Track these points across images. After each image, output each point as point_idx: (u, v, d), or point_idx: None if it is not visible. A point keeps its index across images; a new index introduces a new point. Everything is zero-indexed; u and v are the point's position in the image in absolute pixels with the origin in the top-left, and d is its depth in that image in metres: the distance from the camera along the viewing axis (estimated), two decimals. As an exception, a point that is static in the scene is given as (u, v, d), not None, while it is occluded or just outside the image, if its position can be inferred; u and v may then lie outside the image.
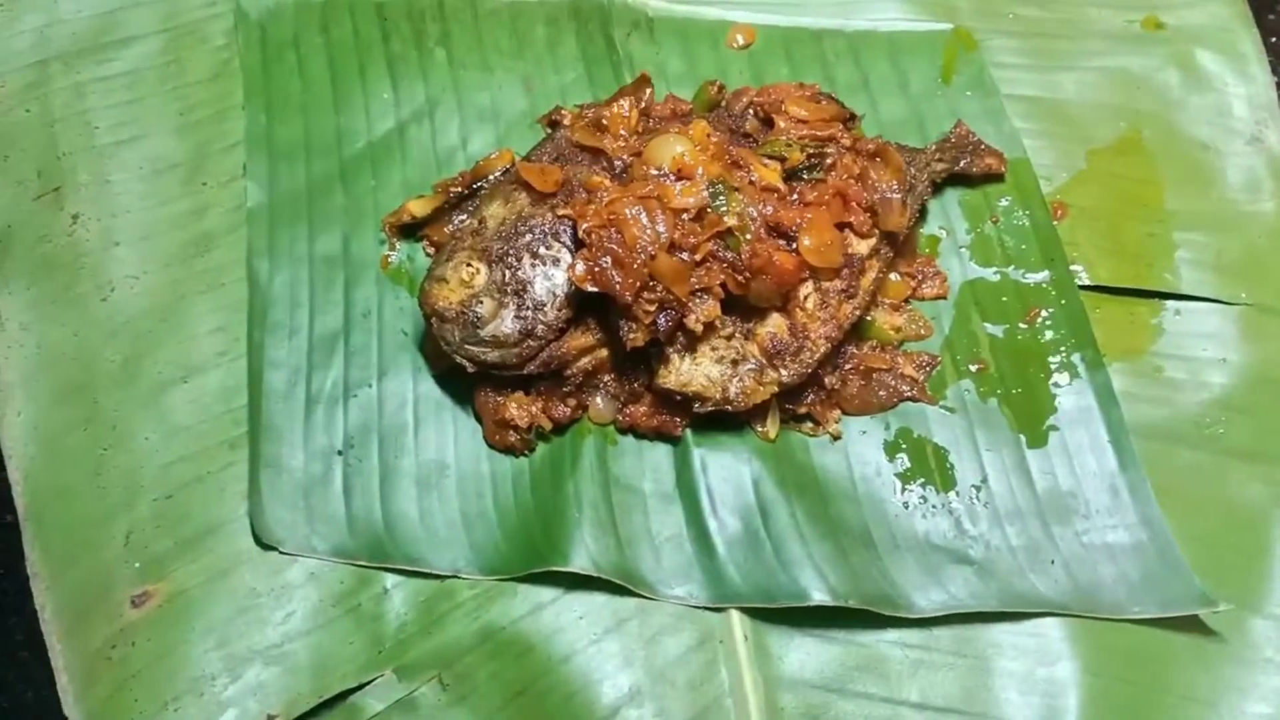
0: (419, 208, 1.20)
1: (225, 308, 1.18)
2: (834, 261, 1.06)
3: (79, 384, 1.13)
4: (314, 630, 1.04)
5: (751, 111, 1.17)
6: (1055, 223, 1.22)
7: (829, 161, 1.09)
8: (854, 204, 1.08)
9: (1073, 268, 1.20)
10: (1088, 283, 1.20)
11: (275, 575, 1.06)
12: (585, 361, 1.09)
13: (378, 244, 1.21)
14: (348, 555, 1.07)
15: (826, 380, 1.10)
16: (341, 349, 1.16)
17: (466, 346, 1.06)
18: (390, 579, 1.07)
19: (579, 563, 1.04)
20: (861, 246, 1.09)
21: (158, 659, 1.02)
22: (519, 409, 1.09)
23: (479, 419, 1.12)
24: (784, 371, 1.06)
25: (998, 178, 1.23)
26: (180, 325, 1.17)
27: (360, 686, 1.02)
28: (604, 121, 1.15)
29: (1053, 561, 1.05)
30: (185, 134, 1.27)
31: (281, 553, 1.07)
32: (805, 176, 1.08)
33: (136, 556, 1.06)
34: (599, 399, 1.11)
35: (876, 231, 1.10)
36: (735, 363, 1.06)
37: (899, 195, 1.10)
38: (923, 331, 1.15)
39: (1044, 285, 1.18)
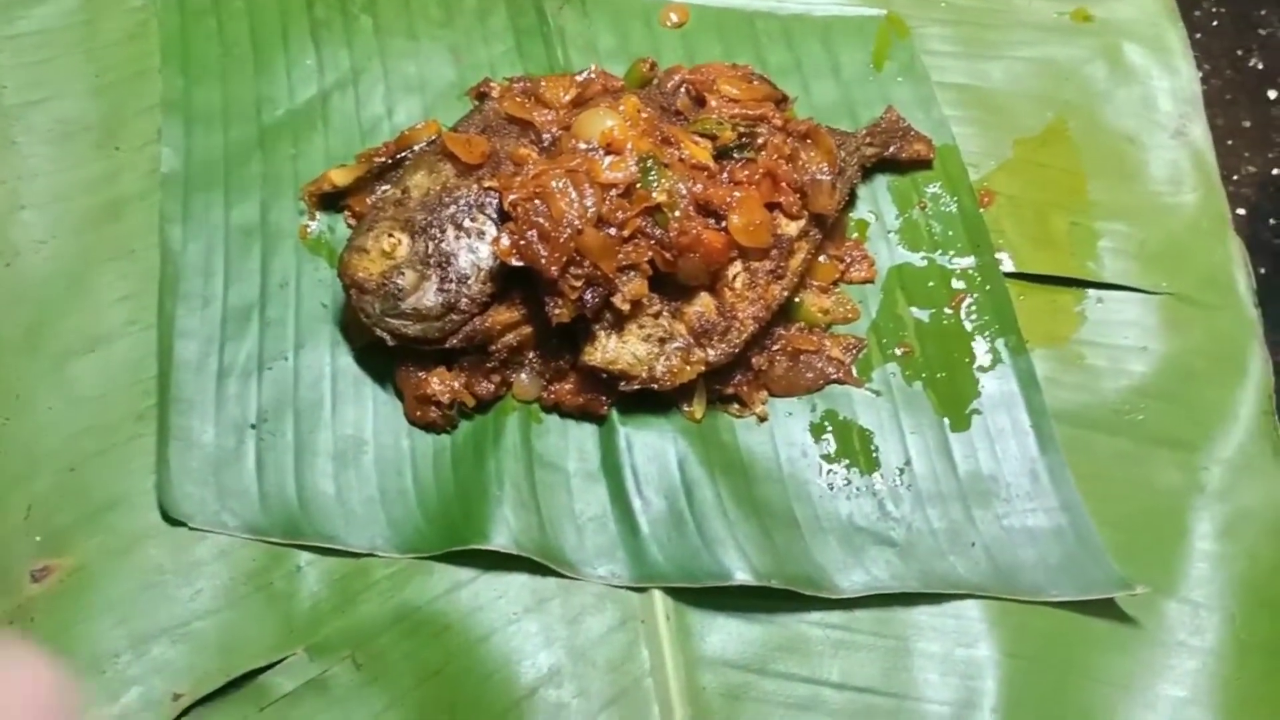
0: (340, 177, 1.16)
1: (136, 275, 1.14)
2: (763, 242, 1.05)
3: (-22, 351, 1.08)
4: (223, 608, 1.01)
5: (683, 90, 1.16)
6: (982, 210, 1.22)
7: (760, 141, 1.08)
8: (784, 185, 1.07)
9: (998, 255, 1.20)
10: (1012, 270, 1.21)
11: (183, 551, 1.03)
12: (510, 337, 1.07)
13: (297, 214, 1.18)
14: (260, 532, 1.03)
15: (754, 361, 1.10)
16: (257, 320, 1.12)
17: (387, 319, 1.03)
18: (304, 557, 1.04)
19: (499, 541, 1.02)
20: (791, 228, 1.08)
21: (58, 635, 0.98)
22: (441, 384, 1.07)
23: (399, 394, 1.10)
24: (711, 351, 1.05)
25: (926, 164, 1.24)
26: (88, 293, 1.12)
27: (270, 665, 0.99)
28: (538, 94, 1.13)
29: (973, 544, 1.06)
30: (98, 96, 1.22)
31: (190, 528, 1.03)
32: (736, 156, 1.07)
33: (37, 530, 1.02)
34: (524, 376, 1.09)
35: (806, 213, 1.09)
36: (662, 341, 1.04)
37: (829, 177, 1.09)
38: (850, 315, 1.15)
39: (969, 271, 1.19)
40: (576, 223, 0.99)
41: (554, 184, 0.99)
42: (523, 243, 0.99)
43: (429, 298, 1.02)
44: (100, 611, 0.99)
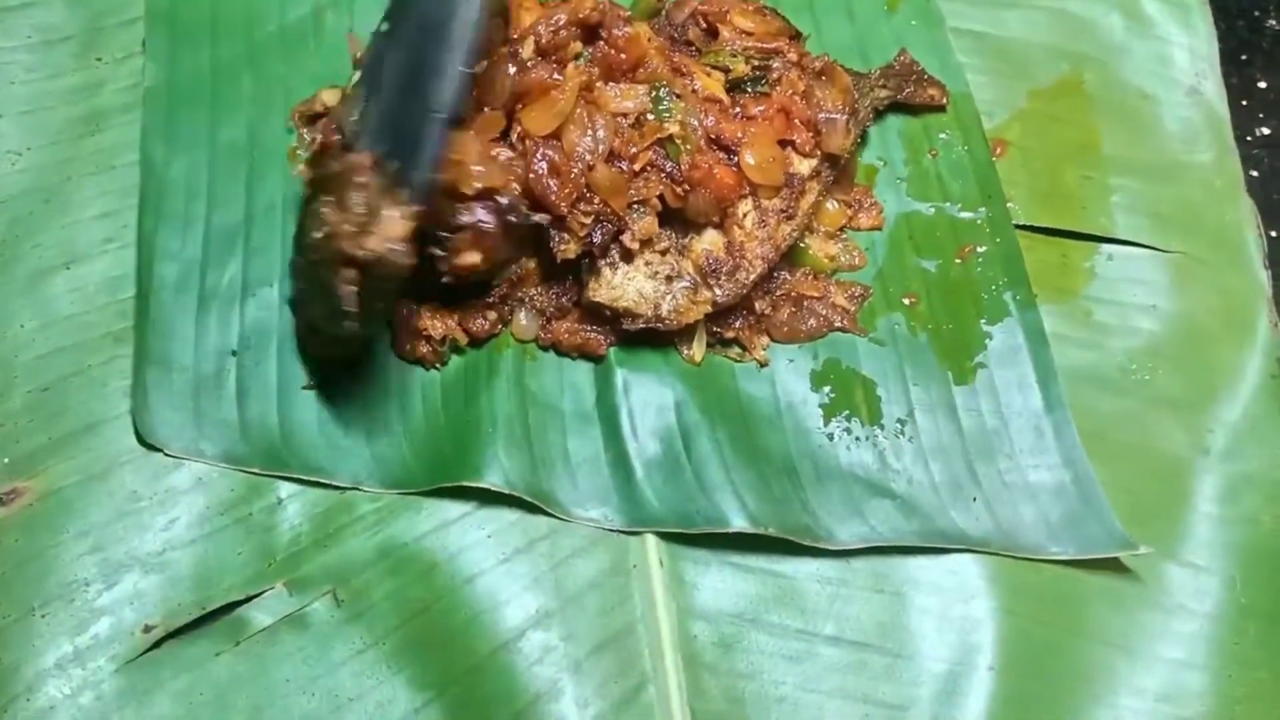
0: (333, 98, 1.12)
1: (115, 192, 1.09)
2: (776, 179, 1.01)
3: (-52, 264, 1.04)
4: (199, 539, 0.98)
5: (694, 20, 1.12)
6: (993, 160, 1.19)
7: (774, 76, 1.04)
8: (797, 121, 1.04)
9: (1008, 206, 1.17)
10: (1023, 222, 1.17)
11: (159, 479, 0.99)
12: (510, 272, 1.03)
13: (286, 134, 1.13)
14: (239, 462, 1.00)
15: (757, 305, 1.06)
16: (241, 244, 1.08)
17: None
18: (285, 489, 1.00)
19: (491, 479, 0.99)
20: (803, 166, 1.04)
21: (26, 561, 0.94)
22: (434, 319, 1.03)
23: (390, 325, 1.06)
24: (718, 290, 1.01)
25: (939, 109, 1.20)
26: (65, 208, 1.08)
27: (247, 600, 0.96)
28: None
29: (974, 499, 1.03)
30: (79, 4, 1.18)
31: (166, 455, 0.99)
32: (749, 90, 1.03)
33: (6, 451, 0.98)
34: (522, 313, 1.05)
35: (819, 152, 1.05)
36: (669, 279, 1.01)
37: (844, 116, 1.05)
38: (857, 261, 1.12)
39: (979, 222, 1.16)
40: (588, 158, 0.95)
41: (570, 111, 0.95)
42: (532, 176, 0.95)
43: None
44: (71, 538, 0.96)
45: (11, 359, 1.01)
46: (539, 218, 0.97)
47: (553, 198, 0.95)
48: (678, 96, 0.98)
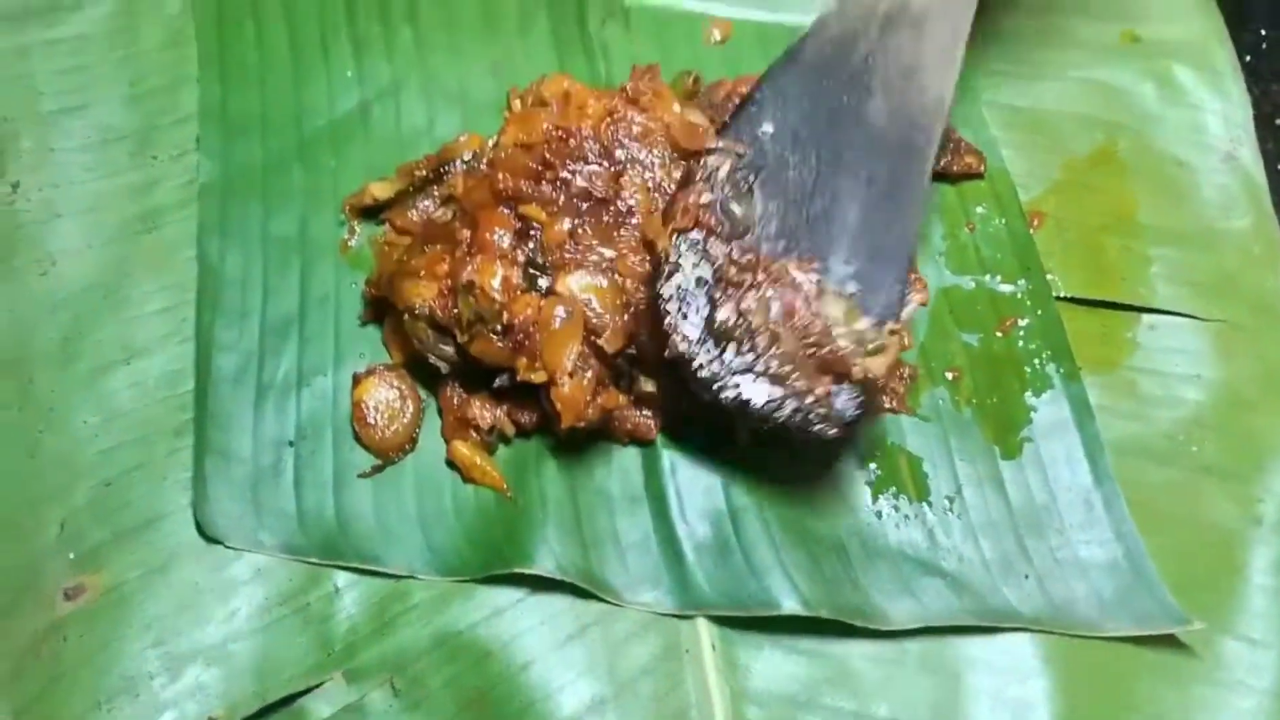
0: (381, 190, 1.15)
1: (173, 287, 1.12)
2: None
3: (13, 362, 1.06)
4: (259, 630, 0.99)
5: (731, 100, 1.14)
6: (1031, 232, 1.20)
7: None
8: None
9: (1048, 278, 1.18)
10: (1062, 294, 1.18)
11: (219, 570, 1.01)
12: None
13: (337, 225, 1.16)
14: (297, 552, 1.01)
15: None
16: (296, 334, 1.10)
17: (441, 346, 1.01)
18: (341, 578, 1.02)
19: (543, 565, 1.00)
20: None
21: (91, 656, 0.96)
22: (483, 409, 1.05)
23: (440, 412, 1.07)
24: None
25: (977, 176, 1.21)
26: (124, 304, 1.10)
27: (307, 690, 0.97)
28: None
29: (1026, 576, 1.03)
30: (135, 104, 1.20)
31: (227, 547, 1.01)
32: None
33: (71, 546, 1.00)
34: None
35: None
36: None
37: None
38: (906, 343, 1.12)
39: (1019, 295, 1.17)
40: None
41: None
42: (634, 329, 0.99)
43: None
44: (135, 631, 0.97)
45: (75, 455, 1.03)
46: None
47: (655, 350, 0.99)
48: None
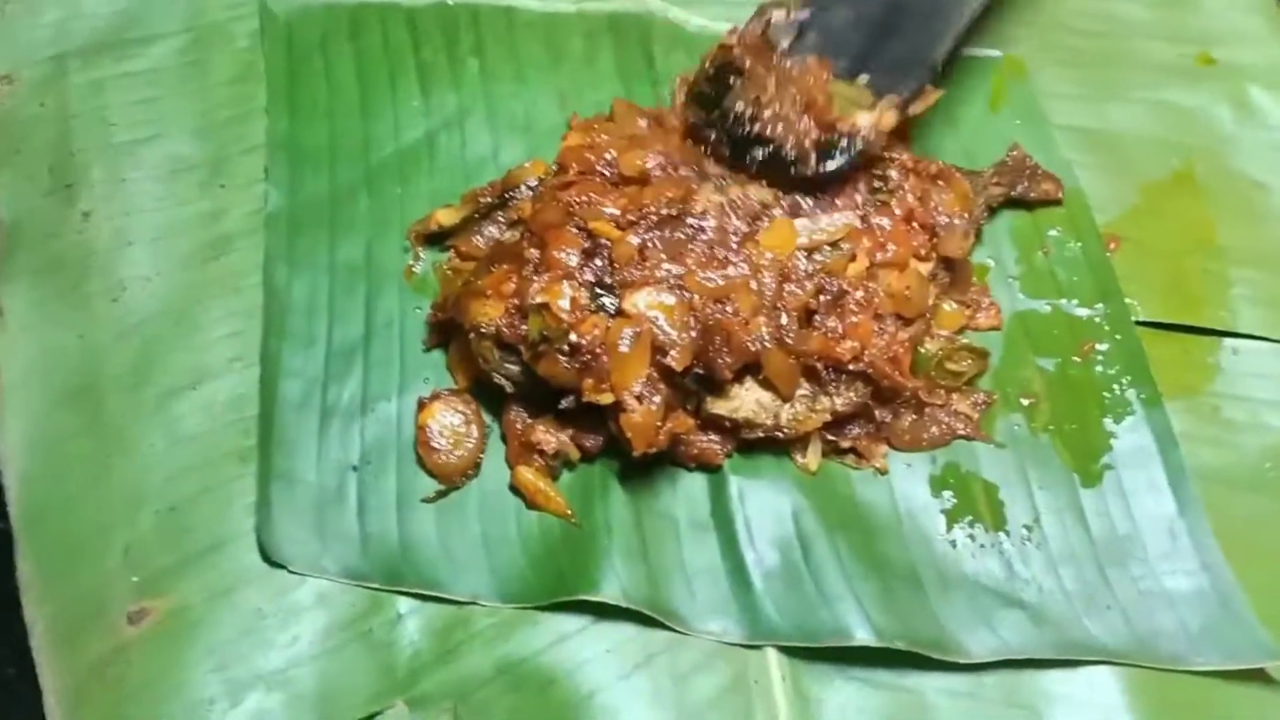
0: (447, 217, 1.15)
1: (240, 313, 1.12)
2: (921, 307, 1.02)
3: (83, 388, 1.07)
4: (321, 655, 0.98)
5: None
6: (1108, 256, 1.17)
7: (891, 185, 1.04)
8: (917, 225, 1.03)
9: (1126, 302, 1.15)
10: (1141, 318, 1.15)
11: (282, 595, 1.00)
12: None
13: (402, 253, 1.16)
14: (360, 577, 1.00)
15: (876, 413, 1.05)
16: (361, 360, 1.10)
17: (506, 365, 1.00)
18: (404, 604, 1.00)
19: (608, 592, 0.98)
20: (920, 270, 1.04)
21: (154, 680, 0.95)
22: (547, 433, 1.03)
23: (504, 437, 1.06)
24: (838, 400, 1.00)
25: (1054, 203, 1.19)
26: (193, 330, 1.11)
27: (370, 717, 0.95)
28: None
29: (1109, 607, 0.99)
30: (205, 135, 1.22)
31: (290, 572, 1.00)
32: (869, 198, 1.03)
33: (136, 570, 0.99)
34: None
35: (934, 256, 1.05)
36: (789, 388, 1.00)
37: (962, 221, 1.05)
38: (979, 368, 1.09)
39: (1097, 319, 1.13)
40: (766, 339, 0.96)
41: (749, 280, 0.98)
42: (702, 346, 0.96)
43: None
44: (197, 656, 0.96)
45: (142, 479, 1.03)
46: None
47: (723, 369, 0.96)
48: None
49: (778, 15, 1.07)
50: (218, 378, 1.09)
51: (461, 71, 1.26)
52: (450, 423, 1.05)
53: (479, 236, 1.14)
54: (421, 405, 1.06)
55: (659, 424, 0.95)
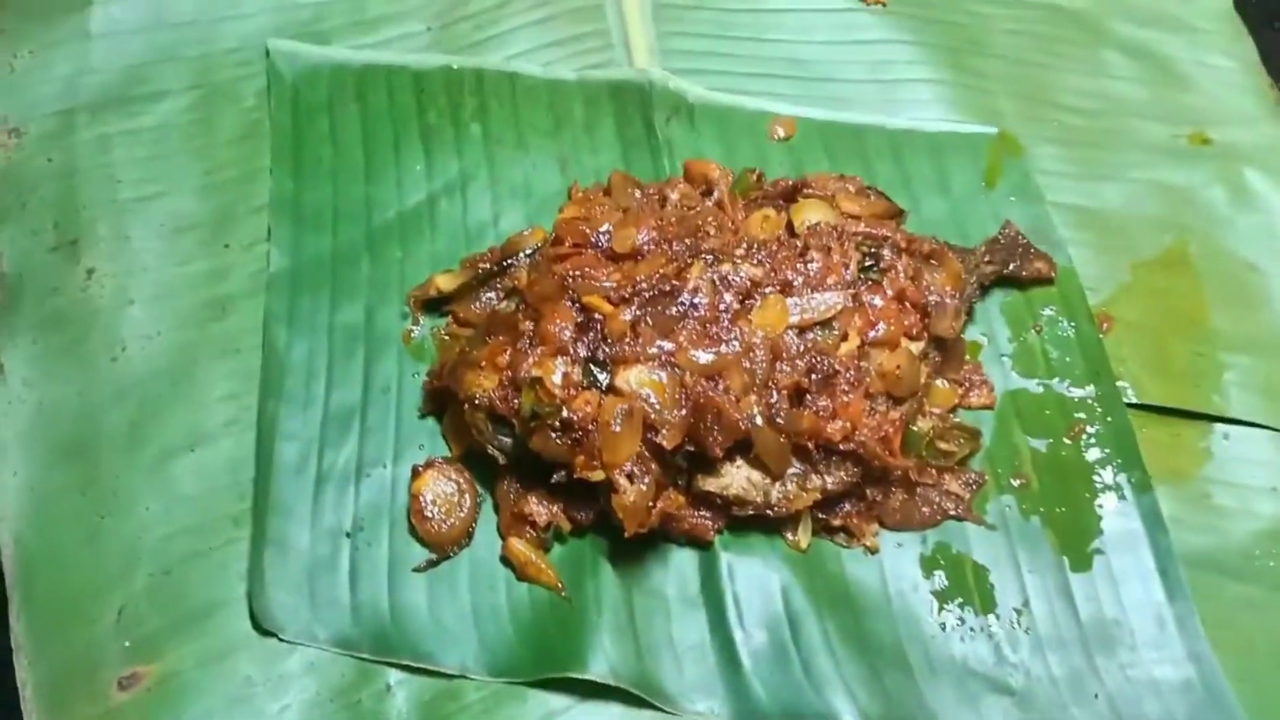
0: (446, 282, 1.16)
1: (239, 375, 1.13)
2: (914, 386, 1.03)
3: (80, 445, 1.08)
4: (311, 726, 0.98)
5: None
6: (1100, 336, 1.18)
7: (885, 264, 1.05)
8: (908, 305, 1.04)
9: (1118, 384, 1.15)
10: (1133, 400, 1.16)
11: (273, 663, 1.00)
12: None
13: (401, 318, 1.17)
14: (350, 646, 1.01)
15: (868, 491, 1.05)
16: (357, 425, 1.11)
17: (500, 438, 1.01)
18: (394, 675, 1.01)
19: (596, 669, 0.98)
20: (911, 349, 1.04)
21: (143, 748, 0.95)
22: (540, 505, 1.04)
23: (496, 508, 1.07)
24: (829, 479, 1.01)
25: (1046, 282, 1.20)
26: (191, 391, 1.12)
27: (357, 791, 0.96)
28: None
29: (1096, 695, 1.00)
30: (209, 194, 1.24)
31: (281, 640, 1.00)
32: (861, 277, 1.04)
33: (128, 634, 1.00)
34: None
35: (926, 335, 1.06)
36: (778, 466, 1.01)
37: (954, 301, 1.06)
38: (972, 447, 1.10)
39: (1089, 400, 1.14)
40: (757, 417, 0.97)
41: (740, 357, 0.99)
42: (693, 423, 0.97)
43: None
44: (187, 724, 0.97)
45: (136, 541, 1.04)
46: None
47: (713, 445, 0.97)
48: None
49: None
50: (214, 440, 1.10)
51: (465, 136, 1.28)
52: (443, 491, 1.06)
53: (477, 303, 1.15)
54: (416, 473, 1.07)
55: (651, 504, 0.95)
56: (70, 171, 1.23)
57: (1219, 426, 1.15)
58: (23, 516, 1.05)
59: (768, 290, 1.02)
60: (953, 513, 1.07)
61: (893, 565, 1.06)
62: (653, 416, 0.96)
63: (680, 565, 1.06)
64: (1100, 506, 1.09)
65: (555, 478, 0.99)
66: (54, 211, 1.20)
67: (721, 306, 1.01)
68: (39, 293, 1.15)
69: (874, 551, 1.06)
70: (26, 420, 1.09)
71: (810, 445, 1.00)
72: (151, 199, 1.22)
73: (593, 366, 0.98)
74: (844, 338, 1.02)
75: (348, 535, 1.05)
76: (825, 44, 1.38)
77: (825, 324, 1.01)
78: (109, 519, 1.05)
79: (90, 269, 1.17)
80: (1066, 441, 1.12)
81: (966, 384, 1.13)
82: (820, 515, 1.06)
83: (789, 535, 1.06)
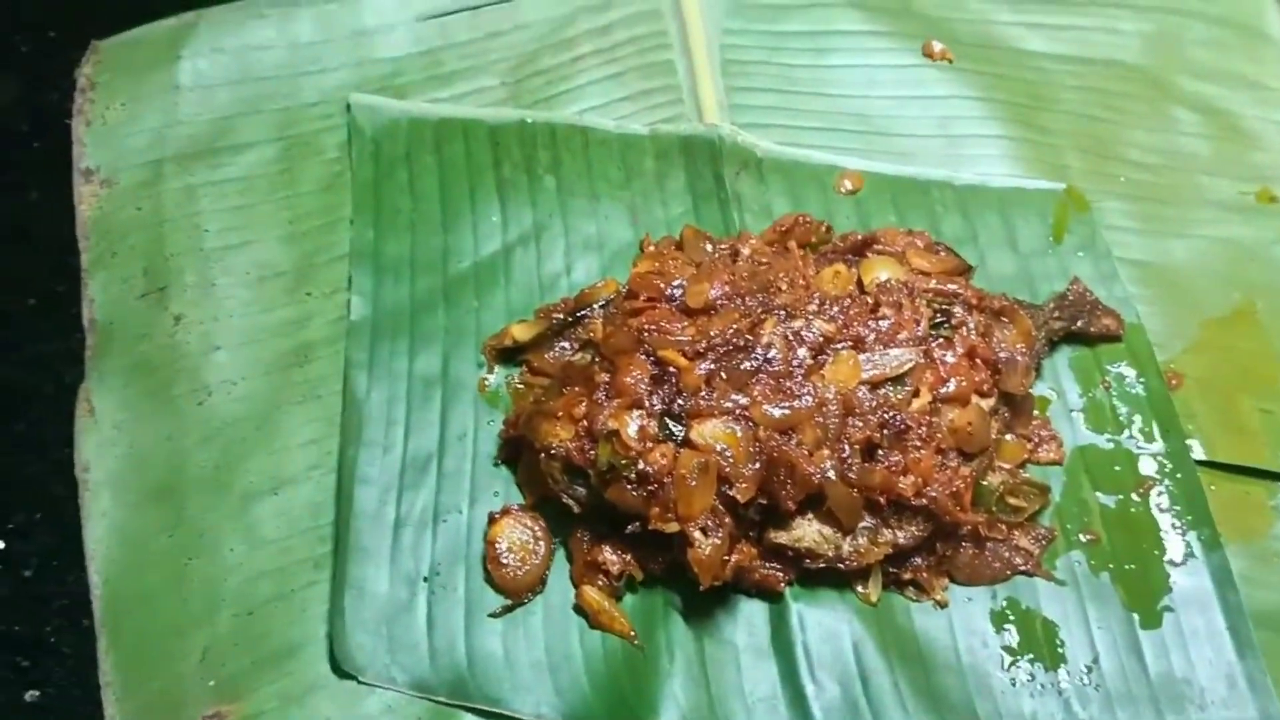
0: (522, 332, 1.18)
1: (320, 420, 1.16)
2: (985, 443, 1.04)
3: (168, 488, 1.12)
4: (389, 768, 1.00)
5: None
6: (1169, 392, 1.18)
7: (956, 320, 1.06)
8: (979, 362, 1.06)
9: (1187, 441, 1.16)
10: (1202, 457, 1.16)
11: (352, 705, 1.02)
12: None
13: (476, 366, 1.19)
14: (428, 689, 1.03)
15: (938, 546, 1.06)
16: (434, 471, 1.13)
17: (575, 488, 1.03)
18: (469, 719, 1.02)
19: (669, 718, 1.00)
20: (982, 405, 1.06)
21: (226, 787, 0.98)
22: (613, 554, 1.06)
23: (569, 556, 1.09)
24: (900, 533, 1.02)
25: (1115, 339, 1.20)
26: (274, 435, 1.15)
27: (435, 833, 0.98)
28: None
29: (1167, 754, 1.00)
30: (293, 243, 1.28)
31: (360, 682, 1.03)
32: (932, 334, 1.06)
33: (212, 674, 1.03)
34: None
35: (996, 391, 1.07)
36: (850, 519, 1.02)
37: (1025, 358, 1.07)
38: (1042, 503, 1.10)
39: (1158, 457, 1.14)
40: (829, 470, 0.99)
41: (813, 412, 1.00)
42: (766, 476, 0.99)
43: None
44: (268, 764, 0.99)
45: (221, 582, 1.07)
46: None
47: (784, 496, 0.99)
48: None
49: None
50: (297, 483, 1.13)
51: (539, 188, 1.31)
52: (519, 539, 1.08)
53: (551, 353, 1.17)
54: (492, 520, 1.09)
55: (726, 557, 0.97)
56: (159, 220, 1.27)
57: (1288, 485, 1.15)
58: (111, 557, 1.08)
59: (840, 346, 1.04)
60: (1022, 568, 1.08)
61: (962, 620, 1.07)
62: (727, 470, 0.98)
63: (750, 616, 1.07)
64: (1170, 563, 1.09)
65: (630, 529, 1.01)
66: (143, 259, 1.24)
67: (794, 361, 1.02)
68: (128, 338, 1.20)
69: (944, 606, 1.07)
70: (117, 462, 1.13)
71: (881, 500, 1.01)
72: (236, 248, 1.26)
73: (668, 420, 1.00)
74: (916, 394, 1.03)
75: (425, 580, 1.08)
76: (891, 99, 1.40)
77: (897, 380, 1.03)
78: (195, 560, 1.08)
79: (178, 315, 1.21)
80: (1136, 498, 1.12)
81: (1036, 439, 1.14)
82: (891, 569, 1.06)
83: (859, 588, 1.07)
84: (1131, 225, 1.32)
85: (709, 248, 1.19)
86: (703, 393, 1.01)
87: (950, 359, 1.05)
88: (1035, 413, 1.17)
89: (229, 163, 1.32)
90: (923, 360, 1.04)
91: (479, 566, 1.09)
